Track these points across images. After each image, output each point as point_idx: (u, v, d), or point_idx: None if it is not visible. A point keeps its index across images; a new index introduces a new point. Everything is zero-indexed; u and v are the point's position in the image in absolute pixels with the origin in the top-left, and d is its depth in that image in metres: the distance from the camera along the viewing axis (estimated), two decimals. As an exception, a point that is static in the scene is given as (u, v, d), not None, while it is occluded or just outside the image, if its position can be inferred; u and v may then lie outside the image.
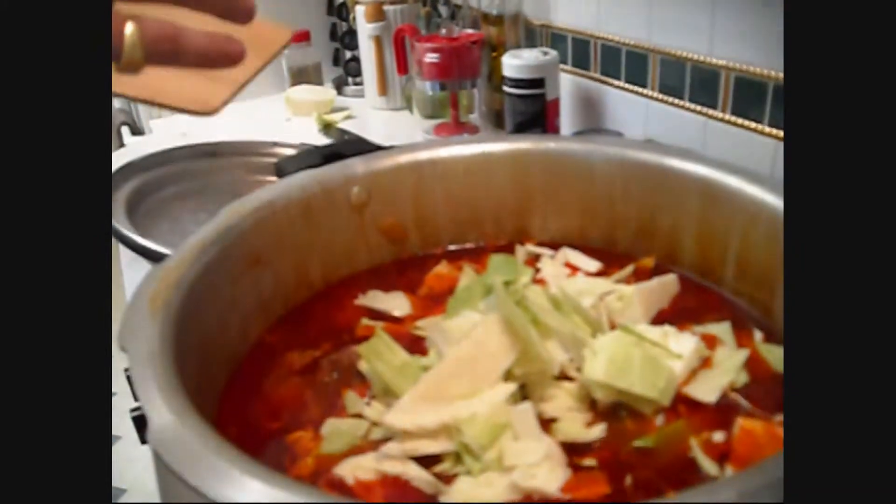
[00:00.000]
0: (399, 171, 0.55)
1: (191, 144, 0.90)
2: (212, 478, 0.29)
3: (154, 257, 0.61)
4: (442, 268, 0.53)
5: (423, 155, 0.56)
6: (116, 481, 1.73)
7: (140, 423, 0.33)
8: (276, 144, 0.94)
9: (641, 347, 0.40)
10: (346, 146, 0.82)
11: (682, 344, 0.42)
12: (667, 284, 0.47)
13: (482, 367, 0.37)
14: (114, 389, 0.40)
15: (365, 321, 0.51)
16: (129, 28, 0.35)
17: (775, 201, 0.42)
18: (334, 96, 1.41)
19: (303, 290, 0.53)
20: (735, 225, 0.45)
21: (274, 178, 0.77)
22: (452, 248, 0.58)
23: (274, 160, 0.91)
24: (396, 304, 0.52)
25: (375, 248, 0.55)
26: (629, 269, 0.52)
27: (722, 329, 0.45)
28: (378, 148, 0.66)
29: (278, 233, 0.49)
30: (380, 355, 0.40)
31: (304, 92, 1.41)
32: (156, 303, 0.36)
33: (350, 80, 1.50)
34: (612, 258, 0.54)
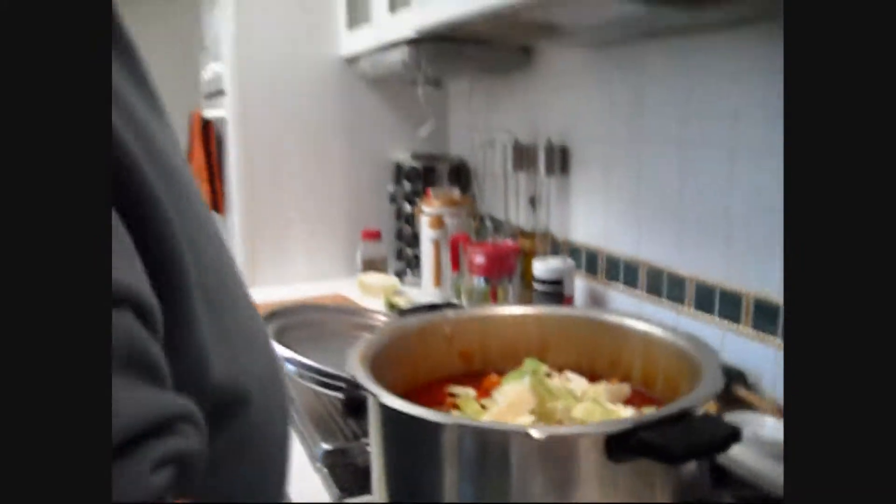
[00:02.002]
0: (472, 320, 0.89)
1: (310, 303, 1.26)
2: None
3: (306, 368, 0.95)
4: (493, 377, 0.86)
5: (488, 312, 0.91)
6: None
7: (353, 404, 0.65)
8: (368, 310, 1.30)
9: (602, 409, 0.72)
10: (442, 305, 1.18)
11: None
12: (622, 388, 0.79)
13: (518, 408, 0.69)
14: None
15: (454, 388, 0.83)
16: None
17: (675, 339, 0.75)
18: (398, 283, 1.79)
19: (415, 381, 0.85)
20: (661, 356, 0.78)
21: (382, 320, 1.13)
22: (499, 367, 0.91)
23: (364, 319, 1.27)
24: (468, 392, 0.85)
25: (456, 364, 0.87)
26: (603, 383, 0.84)
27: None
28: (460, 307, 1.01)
29: (407, 347, 0.82)
30: (467, 403, 0.73)
31: (374, 278, 1.80)
32: (364, 359, 0.69)
33: (409, 272, 1.89)
34: (592, 377, 0.86)
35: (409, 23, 1.35)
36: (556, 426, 0.65)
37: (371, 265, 1.87)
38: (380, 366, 0.71)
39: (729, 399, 1.06)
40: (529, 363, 0.77)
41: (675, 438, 0.52)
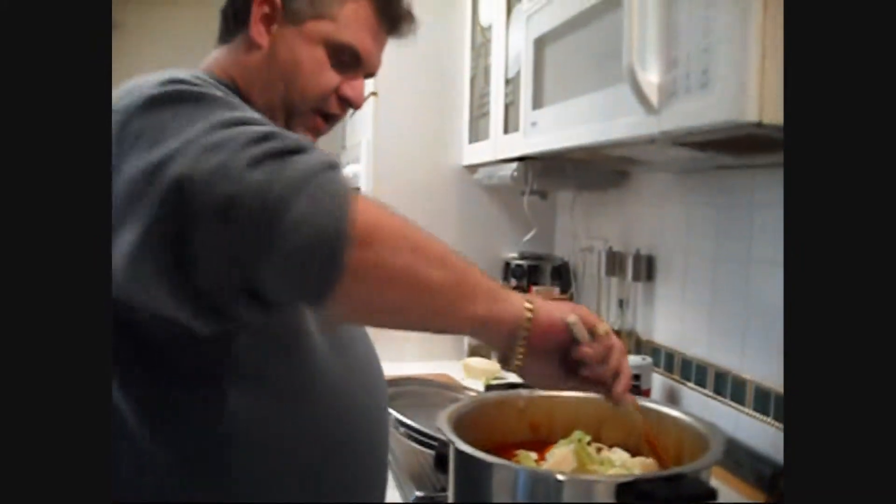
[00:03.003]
0: (542, 398, 1.09)
1: (417, 377, 1.50)
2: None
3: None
4: (555, 446, 1.05)
5: (555, 393, 1.11)
6: None
7: (441, 460, 0.86)
8: (466, 388, 1.52)
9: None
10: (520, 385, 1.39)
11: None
12: (650, 462, 0.95)
13: (562, 465, 0.87)
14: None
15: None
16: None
17: (696, 424, 0.92)
18: (499, 368, 1.99)
19: (490, 442, 1.05)
20: (685, 437, 0.94)
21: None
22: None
23: (461, 395, 1.48)
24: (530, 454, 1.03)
25: (525, 432, 1.07)
26: (640, 458, 1.01)
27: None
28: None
29: (487, 414, 1.03)
30: (525, 459, 0.93)
31: (478, 362, 2.01)
32: (450, 418, 0.91)
33: (509, 359, 2.09)
34: (635, 453, 1.02)
35: (517, 146, 1.61)
36: (578, 473, 0.84)
37: (476, 351, 2.09)
38: (463, 426, 0.92)
39: (779, 493, 1.20)
40: (576, 434, 0.96)
41: (664, 490, 0.70)
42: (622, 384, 0.79)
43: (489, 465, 0.79)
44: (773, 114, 0.79)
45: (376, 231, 0.62)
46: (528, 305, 0.73)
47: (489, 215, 2.23)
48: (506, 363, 0.77)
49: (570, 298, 2.00)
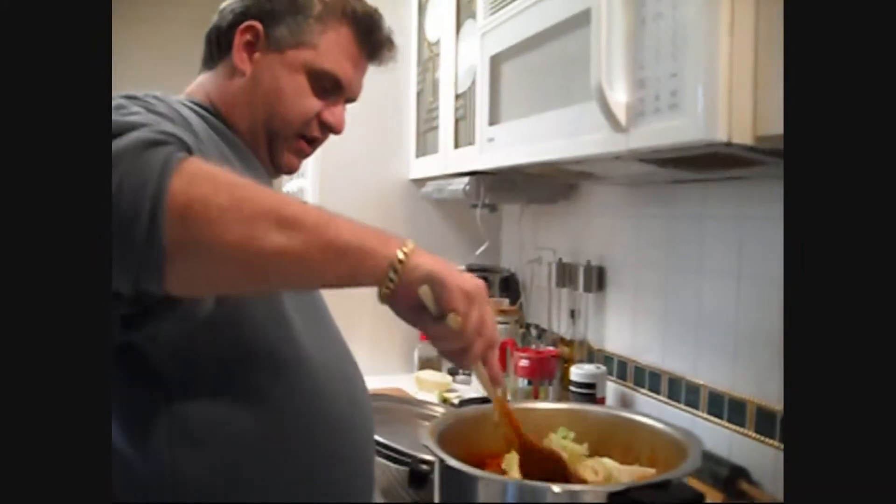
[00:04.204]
0: (514, 412, 1.11)
1: (377, 393, 1.49)
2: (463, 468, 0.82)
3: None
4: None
5: (527, 405, 1.13)
6: None
7: (416, 476, 0.86)
8: (425, 402, 1.52)
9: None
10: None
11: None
12: (635, 470, 0.99)
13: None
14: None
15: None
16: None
17: (672, 431, 0.96)
18: (451, 381, 2.00)
19: (470, 455, 1.06)
20: (660, 444, 0.98)
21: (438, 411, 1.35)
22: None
23: (422, 409, 1.49)
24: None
25: (501, 443, 1.08)
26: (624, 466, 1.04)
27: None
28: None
29: (466, 428, 1.04)
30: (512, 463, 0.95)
31: (429, 375, 2.02)
32: (433, 435, 0.92)
33: (461, 371, 2.11)
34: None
35: (472, 161, 1.63)
36: (572, 485, 0.86)
37: (427, 363, 2.10)
38: (444, 441, 0.93)
39: (735, 493, 1.25)
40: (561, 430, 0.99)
41: (654, 497, 0.73)
42: (475, 352, 0.72)
43: (477, 480, 0.80)
44: (742, 134, 0.84)
45: (194, 205, 0.58)
46: (398, 257, 0.69)
47: (437, 228, 2.24)
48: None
49: (520, 309, 2.04)
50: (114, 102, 0.69)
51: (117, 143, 0.56)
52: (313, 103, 0.89)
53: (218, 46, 0.89)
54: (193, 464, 0.76)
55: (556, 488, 0.75)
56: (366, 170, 2.19)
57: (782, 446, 1.21)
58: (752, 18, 0.83)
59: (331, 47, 0.89)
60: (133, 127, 0.59)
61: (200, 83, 0.90)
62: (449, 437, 0.95)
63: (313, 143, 0.93)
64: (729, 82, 0.83)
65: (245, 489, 0.77)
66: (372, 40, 0.94)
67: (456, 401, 1.85)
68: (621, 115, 0.98)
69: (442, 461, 0.85)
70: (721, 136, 0.83)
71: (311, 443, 0.83)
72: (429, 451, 0.88)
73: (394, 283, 0.67)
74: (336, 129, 0.93)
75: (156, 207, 0.55)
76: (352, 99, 0.95)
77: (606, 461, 0.95)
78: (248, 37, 0.87)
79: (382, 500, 1.18)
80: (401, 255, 0.68)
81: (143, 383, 0.76)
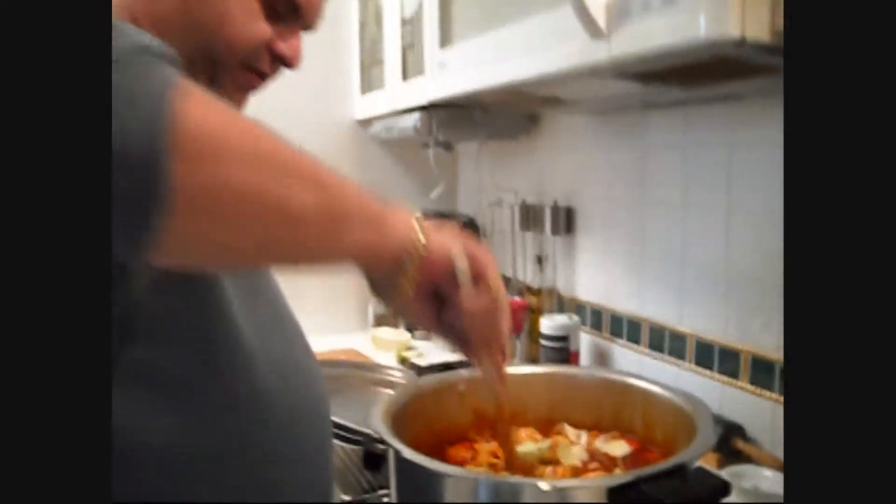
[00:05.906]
0: (483, 379, 0.95)
1: (327, 359, 1.32)
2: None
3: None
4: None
5: (497, 369, 0.97)
6: None
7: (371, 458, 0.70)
8: (382, 366, 1.36)
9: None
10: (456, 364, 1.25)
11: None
12: (622, 444, 0.84)
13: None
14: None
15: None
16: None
17: (673, 396, 0.81)
18: (409, 338, 1.84)
19: (431, 434, 0.91)
20: (658, 412, 0.83)
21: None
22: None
23: (379, 375, 1.32)
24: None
25: (469, 416, 0.93)
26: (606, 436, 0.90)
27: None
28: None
29: (425, 405, 0.88)
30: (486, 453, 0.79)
31: (387, 333, 1.85)
32: (386, 416, 0.75)
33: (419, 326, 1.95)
34: (601, 430, 0.91)
35: (422, 92, 1.43)
36: (562, 479, 0.71)
37: (383, 320, 1.93)
38: (400, 422, 0.77)
39: (729, 451, 1.11)
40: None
41: (670, 491, 0.57)
42: (486, 345, 0.68)
43: (444, 477, 0.64)
44: (759, 27, 0.67)
45: (210, 139, 0.46)
46: (418, 235, 0.61)
47: (387, 172, 2.05)
48: (380, 294, 0.64)
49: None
50: None
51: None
52: (263, 28, 0.70)
53: None
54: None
55: (542, 485, 0.59)
56: (306, 111, 1.98)
57: (782, 399, 1.08)
58: None
59: None
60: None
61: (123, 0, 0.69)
62: (405, 417, 0.79)
63: (263, 78, 0.74)
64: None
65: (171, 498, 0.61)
66: None
67: (415, 360, 1.70)
68: (600, 18, 0.80)
69: (397, 452, 0.68)
70: (733, 30, 0.66)
71: (247, 442, 0.66)
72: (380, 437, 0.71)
73: (418, 256, 0.60)
74: (290, 63, 0.74)
75: (159, 135, 0.43)
76: (309, 27, 0.75)
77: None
78: None
79: (338, 488, 1.02)
80: (418, 233, 0.61)
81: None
